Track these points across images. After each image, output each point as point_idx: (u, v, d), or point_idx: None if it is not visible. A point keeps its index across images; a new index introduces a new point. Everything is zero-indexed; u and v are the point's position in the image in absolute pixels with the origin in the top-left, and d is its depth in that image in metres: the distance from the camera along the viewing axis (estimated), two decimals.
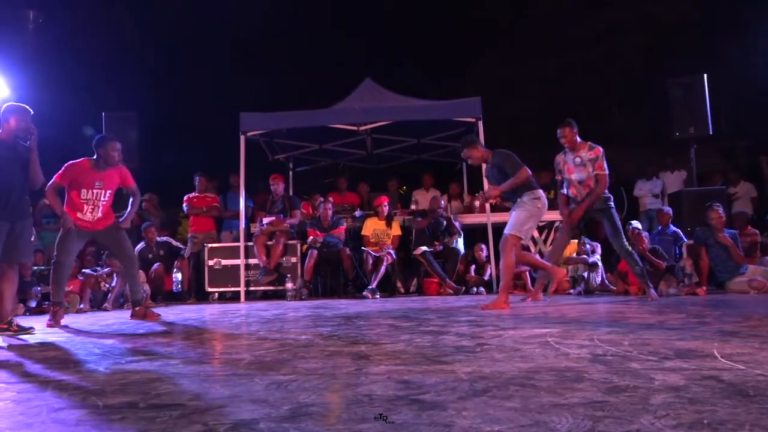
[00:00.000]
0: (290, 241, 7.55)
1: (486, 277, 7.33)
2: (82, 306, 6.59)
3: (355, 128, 8.32)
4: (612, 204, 5.32)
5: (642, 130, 12.41)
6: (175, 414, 1.47)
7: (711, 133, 7.73)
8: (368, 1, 16.06)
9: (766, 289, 5.79)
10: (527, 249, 7.84)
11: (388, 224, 7.63)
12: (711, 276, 6.40)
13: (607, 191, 5.32)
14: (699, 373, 1.75)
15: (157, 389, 1.80)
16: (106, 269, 7.05)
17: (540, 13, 15.40)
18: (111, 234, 4.83)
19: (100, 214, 4.74)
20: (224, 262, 7.62)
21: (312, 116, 7.87)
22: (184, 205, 8.23)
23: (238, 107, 8.15)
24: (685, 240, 6.83)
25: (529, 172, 4.81)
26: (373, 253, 7.30)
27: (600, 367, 1.90)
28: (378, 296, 6.93)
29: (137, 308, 4.92)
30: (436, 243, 7.43)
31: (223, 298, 7.68)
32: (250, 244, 7.55)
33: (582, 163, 5.31)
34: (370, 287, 6.98)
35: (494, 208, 7.34)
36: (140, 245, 7.65)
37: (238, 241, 7.69)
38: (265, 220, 7.60)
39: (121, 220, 4.90)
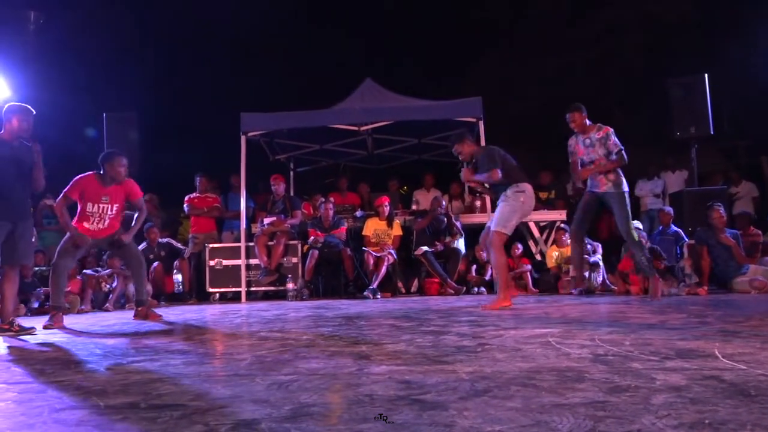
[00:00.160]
0: (291, 242, 7.55)
1: (487, 277, 7.33)
2: (82, 307, 6.59)
3: (355, 128, 8.32)
4: (625, 189, 5.29)
5: (642, 130, 12.41)
6: (176, 414, 1.47)
7: (712, 133, 7.71)
8: (368, 1, 16.07)
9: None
10: (528, 250, 7.87)
11: (389, 224, 7.62)
12: (712, 276, 6.40)
13: (623, 177, 5.31)
14: (700, 373, 1.75)
15: (159, 389, 1.80)
16: (107, 270, 7.06)
17: (540, 13, 15.41)
18: (114, 240, 4.88)
19: (105, 226, 4.81)
20: (225, 262, 7.62)
21: (313, 116, 7.87)
22: (185, 205, 8.23)
23: (238, 107, 8.15)
24: (686, 240, 6.83)
25: (499, 175, 4.71)
26: (374, 254, 7.30)
27: (601, 367, 1.90)
28: (379, 296, 6.93)
29: (140, 308, 4.93)
30: (437, 243, 7.43)
31: (224, 298, 7.68)
32: (251, 244, 7.55)
33: (591, 144, 5.35)
34: (371, 287, 6.98)
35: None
36: (142, 246, 7.65)
37: (239, 241, 7.69)
38: (266, 221, 7.60)
39: (123, 235, 4.90)
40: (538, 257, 7.77)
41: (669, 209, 7.23)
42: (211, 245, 7.78)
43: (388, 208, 7.63)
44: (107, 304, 6.79)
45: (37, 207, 8.09)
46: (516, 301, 5.11)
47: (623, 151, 5.26)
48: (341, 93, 8.55)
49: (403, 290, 7.67)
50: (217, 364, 2.37)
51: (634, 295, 6.07)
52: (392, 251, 7.37)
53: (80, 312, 6.40)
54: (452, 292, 7.06)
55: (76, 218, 4.76)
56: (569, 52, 14.92)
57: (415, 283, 7.76)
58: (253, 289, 7.56)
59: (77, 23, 13.34)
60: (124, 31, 14.68)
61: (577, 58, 14.88)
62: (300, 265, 7.45)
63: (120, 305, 6.94)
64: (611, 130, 5.30)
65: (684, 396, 1.47)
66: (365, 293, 6.96)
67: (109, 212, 4.79)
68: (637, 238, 5.24)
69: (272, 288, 7.49)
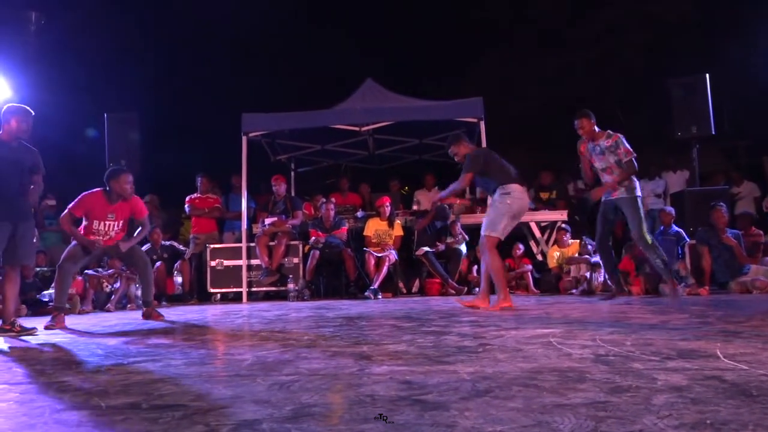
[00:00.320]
0: (292, 242, 7.55)
1: None
2: (84, 307, 6.59)
3: (356, 129, 8.32)
4: (638, 194, 5.19)
5: (643, 130, 12.40)
6: (177, 415, 1.47)
7: (713, 133, 7.71)
8: (368, 1, 16.08)
9: None
10: (529, 250, 7.87)
11: (390, 225, 7.62)
12: (713, 276, 6.39)
13: (636, 181, 5.23)
14: (702, 374, 1.75)
15: (160, 390, 1.80)
16: (109, 270, 7.06)
17: (540, 13, 15.40)
18: (117, 246, 4.92)
19: (109, 239, 4.87)
20: (226, 262, 7.62)
21: (314, 117, 7.87)
22: (186, 206, 8.22)
23: (238, 107, 8.16)
24: (688, 240, 6.82)
25: (465, 183, 4.88)
26: (375, 254, 7.30)
27: (602, 368, 1.90)
28: (380, 297, 6.93)
29: (147, 308, 4.96)
30: (438, 243, 7.43)
31: (226, 298, 7.68)
32: (252, 244, 7.55)
33: (601, 152, 5.26)
34: (372, 288, 6.98)
35: None
36: (145, 247, 7.65)
37: (240, 241, 7.69)
38: (267, 221, 7.60)
39: (122, 243, 4.93)
40: (539, 257, 7.77)
41: (670, 209, 7.21)
42: (212, 246, 7.78)
43: (389, 208, 7.63)
44: (109, 305, 6.79)
45: (38, 207, 8.10)
46: (517, 302, 5.12)
47: (634, 160, 5.13)
48: (341, 93, 8.56)
49: (404, 290, 7.67)
50: (219, 365, 2.37)
51: (635, 295, 6.07)
52: (393, 251, 7.37)
53: (81, 312, 6.40)
54: (453, 292, 7.06)
55: (81, 232, 4.82)
56: (569, 52, 14.91)
57: (417, 283, 7.76)
58: (254, 289, 7.56)
59: (77, 24, 13.35)
60: (124, 32, 14.69)
61: (577, 58, 14.87)
62: (301, 266, 7.45)
63: (121, 306, 6.94)
64: (621, 137, 5.17)
65: (685, 396, 1.47)
66: (366, 294, 6.96)
67: (115, 228, 4.86)
68: (650, 242, 5.13)
69: (273, 288, 7.49)
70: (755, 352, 2.11)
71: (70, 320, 4.88)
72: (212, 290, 7.63)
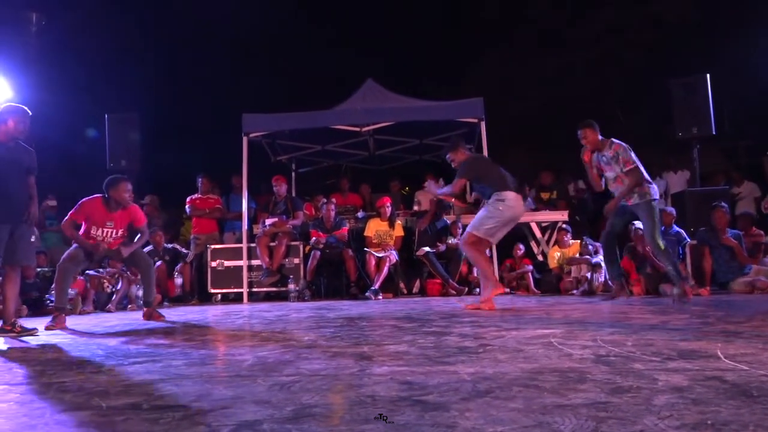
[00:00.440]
0: (293, 243, 7.55)
1: None
2: (85, 308, 6.59)
3: (357, 129, 8.33)
4: (652, 198, 5.06)
5: (643, 130, 12.41)
6: (178, 415, 1.47)
7: (714, 133, 7.70)
8: (368, 1, 16.08)
9: None
10: (530, 250, 7.86)
11: (391, 225, 7.62)
12: (714, 276, 6.39)
13: (650, 185, 5.12)
14: (702, 374, 1.75)
15: (160, 390, 1.80)
16: (108, 270, 7.05)
17: (540, 13, 15.40)
18: (119, 251, 4.93)
19: (109, 245, 4.89)
20: (227, 263, 7.62)
21: (314, 117, 7.87)
22: (186, 206, 8.22)
23: (238, 107, 8.15)
24: (688, 240, 6.82)
25: (456, 188, 4.96)
26: (376, 254, 7.30)
27: (603, 368, 1.90)
28: (380, 297, 6.93)
29: (147, 309, 4.97)
30: (439, 244, 7.43)
31: (226, 299, 7.68)
32: (253, 245, 7.55)
33: (608, 162, 5.17)
34: (372, 288, 6.98)
35: None
36: (147, 249, 7.65)
37: (241, 242, 7.69)
38: (268, 222, 7.60)
39: (122, 248, 4.94)
40: (540, 258, 7.77)
41: (671, 210, 7.21)
42: (212, 246, 7.78)
43: (389, 208, 7.63)
44: (109, 305, 6.79)
45: (39, 208, 8.09)
46: (518, 302, 5.12)
47: (637, 169, 5.01)
48: (341, 93, 8.56)
49: (405, 291, 7.67)
50: (219, 365, 2.37)
51: (636, 296, 6.07)
52: (394, 252, 7.37)
53: (82, 313, 6.40)
54: (454, 292, 7.06)
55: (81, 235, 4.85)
56: (569, 52, 14.92)
57: (417, 283, 7.76)
58: (254, 290, 7.56)
59: (78, 24, 13.36)
60: (124, 32, 14.70)
61: (577, 58, 14.88)
62: (302, 266, 7.45)
63: (122, 306, 6.94)
64: (621, 148, 5.06)
65: (686, 397, 1.47)
66: (367, 294, 6.96)
67: (113, 235, 4.88)
68: (663, 247, 5.05)
69: (274, 289, 7.49)
70: (756, 352, 2.11)
71: (71, 321, 4.88)
72: (213, 291, 7.63)
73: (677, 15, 13.95)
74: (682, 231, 6.99)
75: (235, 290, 7.59)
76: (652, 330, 2.92)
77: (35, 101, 7.81)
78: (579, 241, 7.26)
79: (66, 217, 4.84)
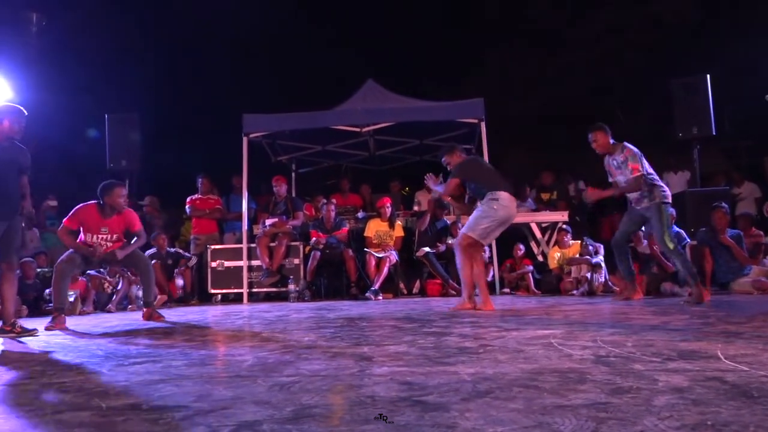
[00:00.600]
0: (293, 243, 7.55)
1: (489, 278, 7.32)
2: (85, 308, 6.59)
3: (357, 129, 8.33)
4: (662, 201, 5.07)
5: (643, 130, 12.39)
6: (178, 416, 1.47)
7: (714, 133, 7.69)
8: (368, 1, 16.08)
9: None
10: (530, 251, 7.86)
11: (391, 225, 7.62)
12: (714, 277, 6.38)
13: (662, 188, 5.13)
14: (702, 375, 1.75)
15: (160, 391, 1.80)
16: (108, 269, 7.05)
17: (540, 13, 15.40)
18: (114, 254, 4.93)
19: (105, 250, 4.88)
20: (227, 263, 7.62)
21: (315, 118, 7.86)
22: (186, 207, 8.22)
23: (238, 107, 8.15)
24: (689, 241, 6.82)
25: (449, 188, 4.99)
26: (376, 255, 7.30)
27: (603, 369, 1.90)
28: (380, 297, 6.93)
29: (146, 309, 4.97)
30: (439, 244, 7.43)
31: (226, 299, 7.68)
32: (253, 245, 7.55)
33: (618, 166, 5.14)
34: (372, 289, 6.98)
35: None
36: (150, 252, 7.64)
37: (241, 242, 7.68)
38: (268, 222, 7.60)
39: (118, 251, 4.92)
40: (540, 258, 7.76)
41: (671, 210, 7.20)
42: (212, 246, 7.78)
43: (389, 209, 7.63)
44: (109, 306, 6.80)
45: (39, 208, 8.10)
46: (518, 302, 5.11)
47: (642, 176, 4.99)
48: (342, 94, 8.56)
49: (405, 291, 7.68)
50: (219, 366, 2.37)
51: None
52: (394, 252, 7.37)
53: (82, 313, 6.40)
54: (454, 293, 7.05)
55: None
56: (569, 52, 14.91)
57: (417, 284, 7.76)
58: (254, 290, 7.56)
59: (78, 24, 13.36)
60: (124, 32, 14.69)
61: (577, 58, 14.87)
62: (302, 267, 7.45)
63: (122, 307, 6.94)
64: (630, 153, 5.01)
65: (686, 397, 1.47)
66: (367, 294, 6.96)
67: (108, 241, 4.88)
68: (672, 248, 5.03)
69: (274, 289, 7.49)
70: (756, 353, 2.11)
71: (71, 321, 4.89)
72: (213, 291, 7.63)
73: (677, 15, 13.94)
74: (683, 231, 6.99)
75: (235, 291, 7.59)
76: (653, 330, 2.92)
77: (35, 101, 7.82)
78: (579, 241, 7.26)
79: (61, 225, 4.87)
